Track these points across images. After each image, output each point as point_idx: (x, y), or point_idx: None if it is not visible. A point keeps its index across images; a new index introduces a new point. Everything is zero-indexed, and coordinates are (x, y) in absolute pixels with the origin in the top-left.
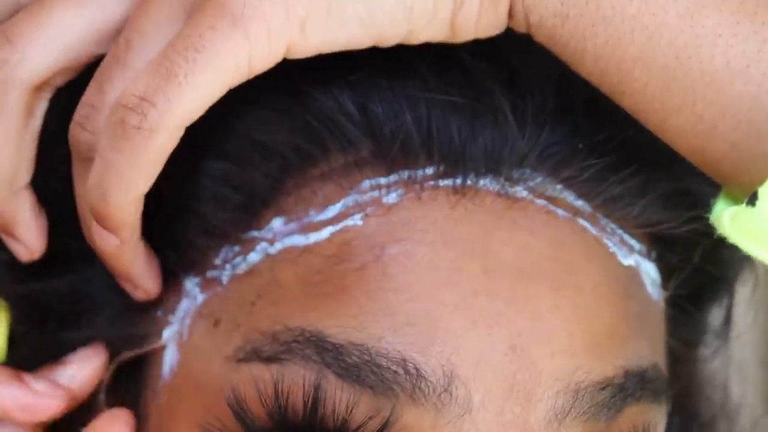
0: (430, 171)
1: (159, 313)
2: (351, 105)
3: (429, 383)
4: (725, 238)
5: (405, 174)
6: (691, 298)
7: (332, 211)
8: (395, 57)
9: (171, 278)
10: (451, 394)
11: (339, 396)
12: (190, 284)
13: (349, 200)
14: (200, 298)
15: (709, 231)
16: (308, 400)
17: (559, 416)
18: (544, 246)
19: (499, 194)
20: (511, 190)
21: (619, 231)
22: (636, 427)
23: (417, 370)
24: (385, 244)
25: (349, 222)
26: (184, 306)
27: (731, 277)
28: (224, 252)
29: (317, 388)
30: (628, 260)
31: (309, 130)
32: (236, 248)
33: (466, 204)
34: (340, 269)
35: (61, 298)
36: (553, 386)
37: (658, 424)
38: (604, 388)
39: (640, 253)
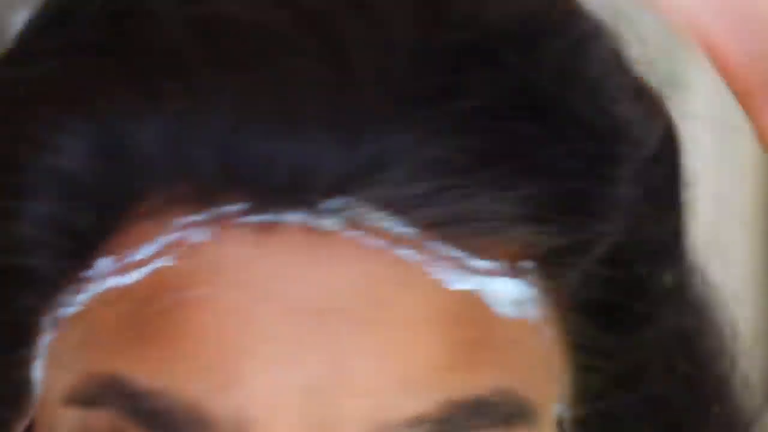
0: (236, 207)
1: (26, 350)
2: (162, 139)
3: (218, 429)
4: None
5: (215, 212)
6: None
7: (146, 251)
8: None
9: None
10: None
11: None
12: (45, 322)
13: (161, 240)
14: (50, 335)
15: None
16: None
17: None
18: (348, 282)
19: (305, 229)
20: (318, 223)
21: (456, 253)
22: None
23: (204, 417)
24: (187, 287)
25: (159, 263)
26: (42, 342)
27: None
28: (64, 293)
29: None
30: (462, 284)
31: (125, 169)
32: (72, 287)
33: (268, 241)
34: (148, 312)
35: None
36: (356, 427)
37: None
38: (417, 426)
39: (488, 272)
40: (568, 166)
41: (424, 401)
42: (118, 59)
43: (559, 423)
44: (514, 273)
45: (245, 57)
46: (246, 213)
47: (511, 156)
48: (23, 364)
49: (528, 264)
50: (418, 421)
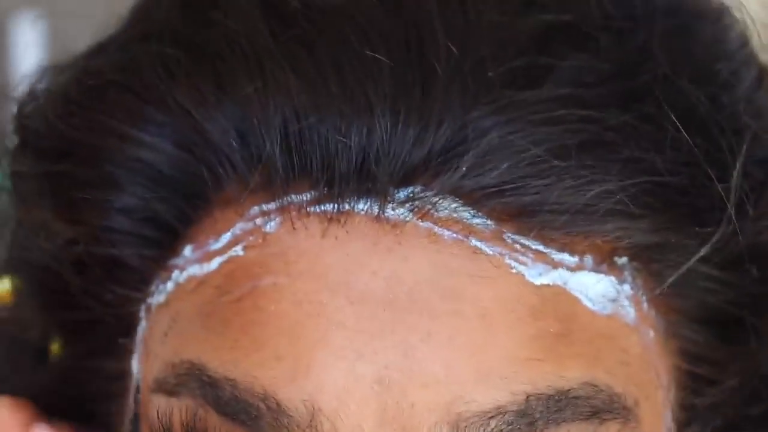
0: (307, 197)
1: (126, 341)
2: (234, 128)
3: (291, 419)
4: None
5: (286, 200)
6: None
7: (223, 240)
8: (269, 60)
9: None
10: (315, 429)
11: (217, 429)
12: (141, 311)
13: (236, 229)
14: (144, 324)
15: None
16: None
17: None
18: (420, 273)
19: (375, 218)
20: (390, 214)
21: (537, 246)
22: None
23: (278, 405)
24: (259, 277)
25: (233, 252)
26: (139, 332)
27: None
28: (155, 282)
29: (193, 422)
30: (544, 279)
31: (203, 158)
32: (160, 277)
33: (338, 231)
34: (223, 301)
35: None
36: (428, 419)
37: None
38: (493, 417)
39: (570, 267)
40: (664, 160)
41: (499, 393)
42: (194, 49)
43: None
44: (605, 269)
45: (314, 41)
46: (315, 202)
47: (597, 146)
48: (124, 356)
49: (621, 260)
50: (496, 412)
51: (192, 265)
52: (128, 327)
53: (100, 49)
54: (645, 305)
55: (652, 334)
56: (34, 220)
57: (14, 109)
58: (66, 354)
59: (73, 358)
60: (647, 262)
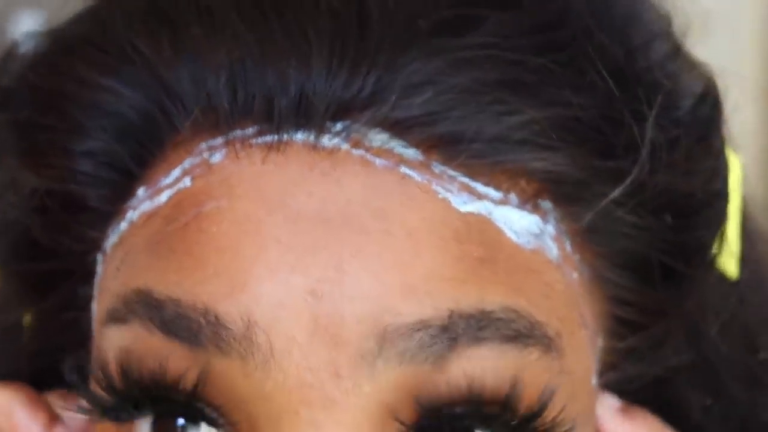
0: (250, 131)
1: (86, 287)
2: (188, 77)
3: (229, 331)
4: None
5: (231, 135)
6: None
7: (173, 175)
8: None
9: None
10: (251, 341)
11: (158, 351)
12: (98, 258)
13: (185, 164)
14: (99, 269)
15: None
16: (122, 358)
17: (367, 358)
18: (353, 194)
19: (312, 147)
20: (326, 143)
21: (463, 178)
22: (482, 369)
23: (217, 318)
24: (203, 202)
25: (181, 184)
26: (96, 279)
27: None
28: (111, 225)
29: (131, 346)
30: (468, 207)
31: (162, 106)
32: (116, 219)
33: (277, 158)
34: (170, 229)
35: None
36: (357, 329)
37: (541, 373)
38: (419, 330)
39: (495, 200)
40: (579, 99)
41: (424, 308)
42: (152, 4)
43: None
44: (529, 208)
45: None
46: (257, 135)
47: (512, 83)
48: (87, 305)
49: (544, 203)
50: (420, 325)
51: (143, 202)
52: (88, 275)
53: (75, 18)
54: (568, 247)
55: (575, 275)
56: (4, 175)
57: None
58: (37, 316)
59: (43, 316)
60: (568, 205)
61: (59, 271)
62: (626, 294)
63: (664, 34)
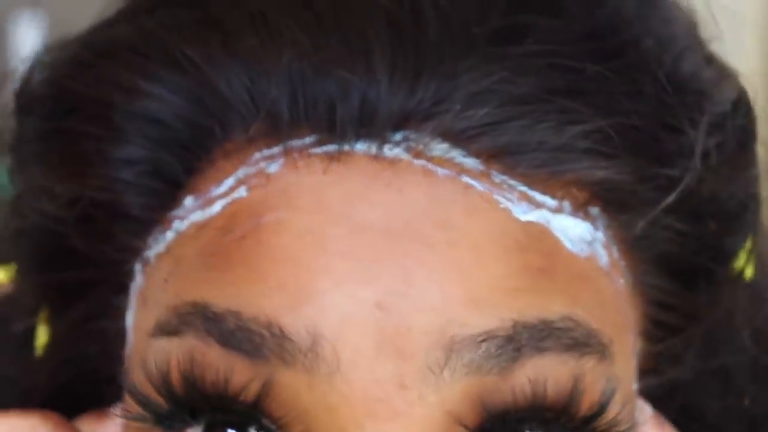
0: (309, 140)
1: (120, 297)
2: (239, 82)
3: (294, 344)
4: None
5: (289, 145)
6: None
7: (226, 185)
8: (270, 17)
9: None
10: (317, 354)
11: (218, 363)
12: (136, 267)
13: (239, 173)
14: (140, 279)
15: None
16: (185, 368)
17: (434, 369)
18: (416, 205)
19: (374, 157)
20: (387, 153)
21: (521, 187)
22: (544, 377)
23: (281, 331)
24: (262, 213)
25: (236, 194)
26: (133, 289)
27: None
28: (153, 234)
29: (191, 360)
30: (528, 216)
31: (209, 112)
32: (160, 228)
33: (338, 169)
34: (226, 240)
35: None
36: (423, 341)
37: (598, 379)
38: (485, 340)
39: (551, 209)
40: (636, 107)
41: (490, 319)
42: (200, 11)
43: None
44: (581, 215)
45: None
46: (317, 144)
47: (573, 91)
48: (120, 314)
49: (594, 210)
50: (486, 336)
51: (193, 212)
52: (123, 285)
53: (106, 23)
54: (615, 253)
55: (622, 281)
56: (35, 183)
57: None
58: (59, 329)
59: (69, 326)
60: (617, 212)
61: (90, 281)
62: (665, 297)
63: (700, 41)
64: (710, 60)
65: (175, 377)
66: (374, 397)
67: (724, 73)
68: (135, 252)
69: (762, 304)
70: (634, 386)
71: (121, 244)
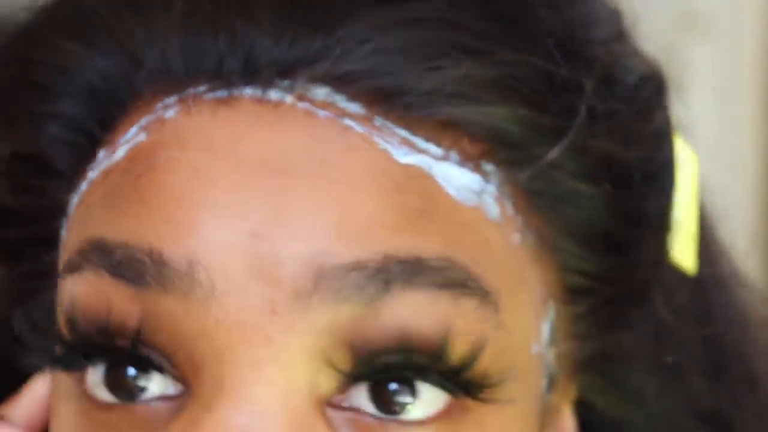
0: (202, 88)
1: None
2: (141, 40)
3: (173, 270)
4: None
5: (184, 93)
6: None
7: (130, 133)
8: None
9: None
10: (193, 278)
11: (103, 293)
12: (63, 223)
13: (143, 121)
14: (63, 233)
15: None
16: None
17: (302, 295)
18: (296, 143)
19: (258, 100)
20: (272, 96)
21: (402, 131)
22: (418, 314)
23: (162, 257)
24: (155, 153)
25: (136, 139)
26: (61, 244)
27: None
28: (76, 189)
29: (90, 292)
30: (407, 159)
31: (127, 74)
32: (79, 182)
33: (227, 112)
34: (125, 181)
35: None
36: (293, 269)
37: (476, 324)
38: (354, 270)
39: (436, 156)
40: (518, 58)
41: (360, 251)
42: None
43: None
44: (470, 167)
45: None
46: (208, 91)
47: (454, 41)
48: (54, 272)
49: (488, 166)
50: (355, 266)
51: (102, 162)
52: (55, 242)
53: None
54: (510, 209)
55: (518, 238)
56: None
57: None
58: (10, 284)
59: (17, 285)
60: (509, 166)
61: (25, 238)
62: (577, 262)
63: (609, 20)
64: (619, 38)
65: (62, 319)
66: (248, 323)
67: (634, 52)
68: (61, 208)
69: (713, 300)
70: (536, 348)
71: (49, 200)
